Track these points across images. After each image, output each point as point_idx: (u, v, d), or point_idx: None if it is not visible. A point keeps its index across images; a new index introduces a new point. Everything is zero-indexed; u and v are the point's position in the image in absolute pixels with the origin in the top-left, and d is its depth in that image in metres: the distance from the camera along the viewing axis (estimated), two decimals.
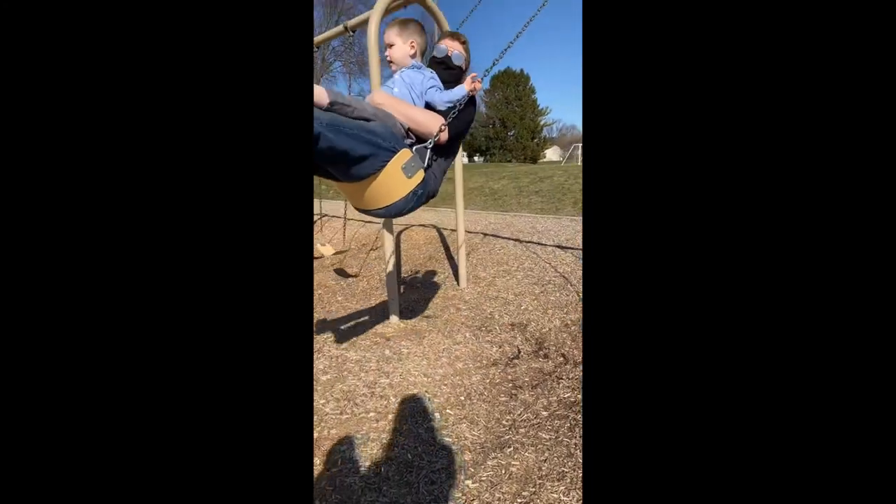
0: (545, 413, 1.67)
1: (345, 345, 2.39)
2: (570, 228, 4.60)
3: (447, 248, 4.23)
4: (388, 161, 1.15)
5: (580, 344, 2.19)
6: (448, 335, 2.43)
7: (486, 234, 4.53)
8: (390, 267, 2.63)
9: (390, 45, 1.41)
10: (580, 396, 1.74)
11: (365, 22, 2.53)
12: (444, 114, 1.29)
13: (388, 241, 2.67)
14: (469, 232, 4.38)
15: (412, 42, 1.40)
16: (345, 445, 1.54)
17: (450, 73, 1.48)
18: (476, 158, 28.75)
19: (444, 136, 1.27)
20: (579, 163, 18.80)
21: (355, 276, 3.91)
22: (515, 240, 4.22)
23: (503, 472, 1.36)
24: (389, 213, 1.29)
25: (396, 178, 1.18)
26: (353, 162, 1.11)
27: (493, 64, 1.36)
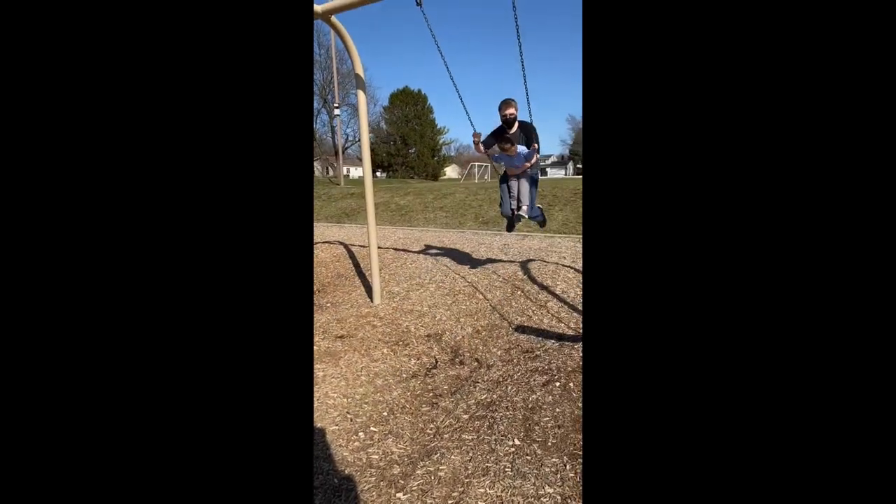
0: (465, 416, 1.76)
1: None
2: (475, 241, 4.92)
3: (356, 265, 4.15)
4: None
5: (491, 347, 2.36)
6: (365, 353, 2.40)
7: (397, 249, 4.57)
8: None
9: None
10: (495, 396, 1.89)
11: None
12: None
13: None
14: (380, 248, 4.37)
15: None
16: None
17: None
18: (378, 174, 28.71)
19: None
20: (476, 180, 20.07)
21: None
22: (425, 253, 4.35)
23: (432, 478, 1.40)
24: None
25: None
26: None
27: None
